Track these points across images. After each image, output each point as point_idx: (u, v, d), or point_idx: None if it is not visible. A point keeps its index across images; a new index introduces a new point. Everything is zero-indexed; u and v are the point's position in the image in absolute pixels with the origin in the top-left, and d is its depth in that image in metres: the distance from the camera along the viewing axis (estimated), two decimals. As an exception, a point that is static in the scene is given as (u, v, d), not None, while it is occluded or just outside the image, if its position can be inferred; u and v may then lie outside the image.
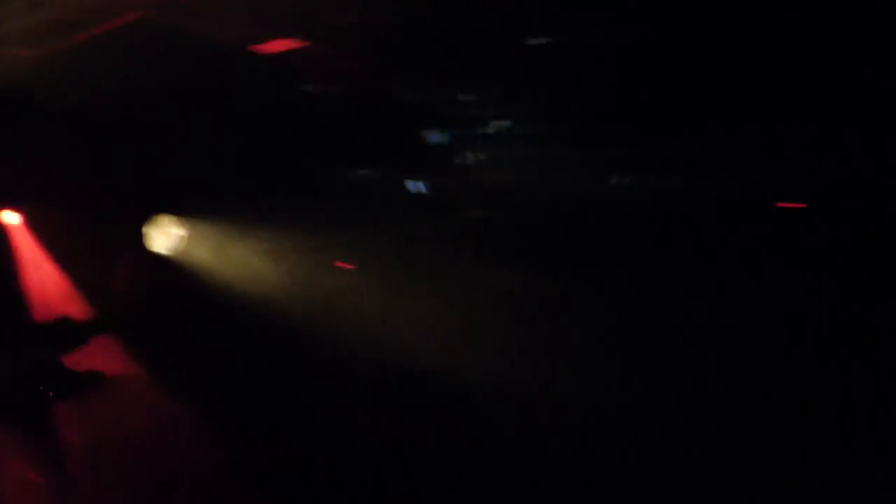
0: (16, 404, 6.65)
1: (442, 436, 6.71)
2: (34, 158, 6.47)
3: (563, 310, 6.56)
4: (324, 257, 6.77)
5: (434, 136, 6.69)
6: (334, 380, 6.82)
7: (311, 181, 6.95)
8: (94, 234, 6.69)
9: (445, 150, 6.74)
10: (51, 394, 6.71)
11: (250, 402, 6.82)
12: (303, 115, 6.67)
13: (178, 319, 6.66)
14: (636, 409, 6.43)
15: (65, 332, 6.84)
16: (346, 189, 6.91)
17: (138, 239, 6.74)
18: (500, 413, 6.66)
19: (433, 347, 6.67)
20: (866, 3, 5.43)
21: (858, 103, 6.09)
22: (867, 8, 5.45)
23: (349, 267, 6.80)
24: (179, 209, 6.77)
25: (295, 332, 6.55)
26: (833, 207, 6.75)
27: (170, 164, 6.64)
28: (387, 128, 6.67)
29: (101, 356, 6.70)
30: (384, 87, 6.68)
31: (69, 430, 6.75)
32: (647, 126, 6.47)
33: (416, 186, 6.84)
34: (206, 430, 6.71)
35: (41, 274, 6.85)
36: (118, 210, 6.75)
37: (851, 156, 6.46)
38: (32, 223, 6.80)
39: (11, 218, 6.85)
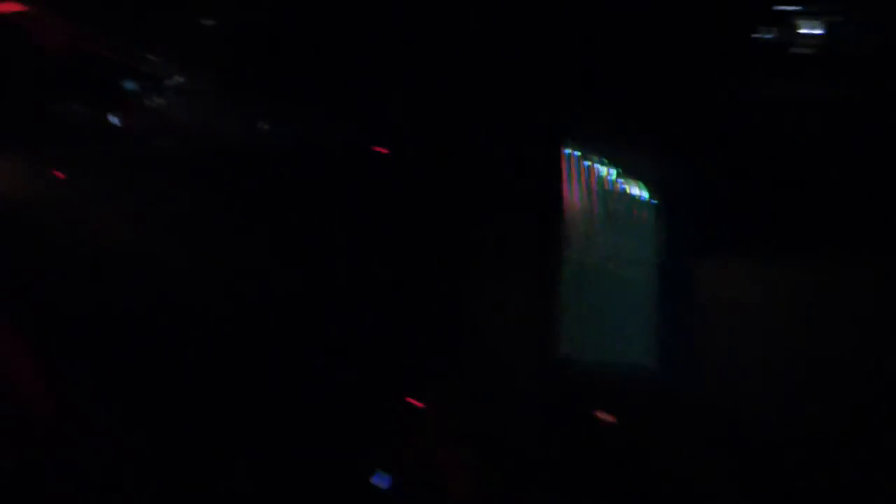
0: None
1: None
2: None
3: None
4: (43, 169, 9.12)
5: (129, 85, 9.25)
6: (52, 269, 9.09)
7: (35, 117, 9.25)
8: None
9: (137, 96, 9.31)
10: None
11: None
12: (32, 66, 8.99)
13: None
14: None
15: None
16: (64, 123, 9.26)
17: None
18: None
19: (128, 243, 9.14)
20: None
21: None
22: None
23: (61, 176, 9.18)
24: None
25: (16, 223, 8.85)
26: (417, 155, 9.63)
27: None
28: (94, 78, 9.13)
29: None
30: (95, 48, 9.13)
31: None
32: (284, 84, 9.27)
33: (115, 120, 9.33)
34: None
35: None
36: None
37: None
38: None
39: None
